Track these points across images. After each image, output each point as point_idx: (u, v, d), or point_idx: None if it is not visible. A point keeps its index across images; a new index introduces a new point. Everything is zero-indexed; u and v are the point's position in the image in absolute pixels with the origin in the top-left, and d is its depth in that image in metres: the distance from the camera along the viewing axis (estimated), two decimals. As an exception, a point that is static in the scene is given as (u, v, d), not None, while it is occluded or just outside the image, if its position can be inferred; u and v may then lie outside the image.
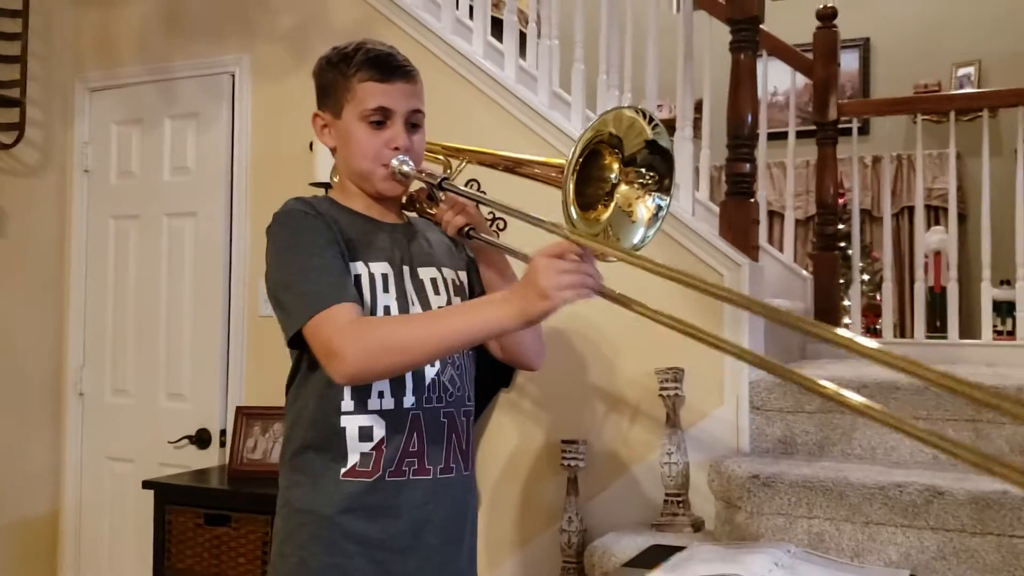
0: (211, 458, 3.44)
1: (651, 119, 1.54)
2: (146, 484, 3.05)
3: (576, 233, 1.45)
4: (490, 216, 2.90)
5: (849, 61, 6.73)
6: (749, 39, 2.78)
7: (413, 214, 1.88)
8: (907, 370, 1.08)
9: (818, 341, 3.55)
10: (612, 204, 1.59)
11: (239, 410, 3.23)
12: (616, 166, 1.58)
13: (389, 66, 1.70)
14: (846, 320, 4.09)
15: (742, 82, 2.76)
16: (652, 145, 1.56)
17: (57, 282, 3.81)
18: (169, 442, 3.48)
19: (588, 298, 1.43)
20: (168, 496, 2.99)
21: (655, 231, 1.59)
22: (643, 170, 1.58)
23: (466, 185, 2.71)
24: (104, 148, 3.79)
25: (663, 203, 1.58)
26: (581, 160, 1.48)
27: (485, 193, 2.91)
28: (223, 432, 3.45)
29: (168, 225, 3.62)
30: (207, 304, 3.52)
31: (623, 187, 1.59)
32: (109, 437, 3.70)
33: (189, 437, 3.47)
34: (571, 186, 1.46)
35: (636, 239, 1.58)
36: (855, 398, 1.13)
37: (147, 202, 3.67)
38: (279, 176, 3.40)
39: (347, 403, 1.63)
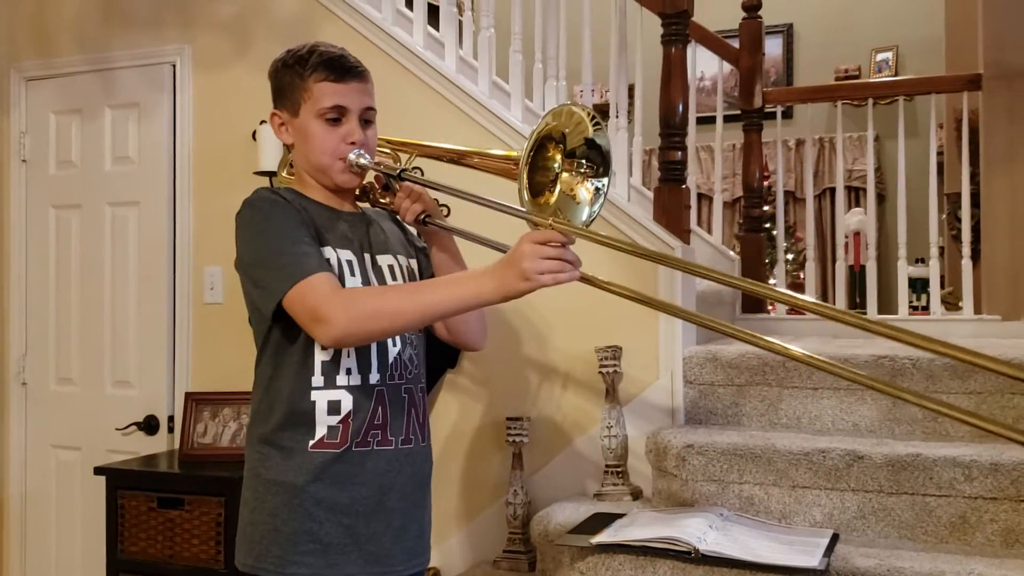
0: (159, 444, 3.49)
1: (594, 119, 1.71)
2: (98, 470, 3.09)
3: (559, 222, 1.59)
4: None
5: (773, 46, 6.95)
6: (680, 32, 2.92)
7: (366, 205, 1.99)
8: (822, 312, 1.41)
9: (747, 316, 3.73)
10: (556, 190, 1.75)
11: (188, 396, 3.28)
12: (559, 157, 1.75)
13: (343, 67, 1.81)
14: (772, 298, 4.28)
15: (673, 74, 2.90)
16: (591, 142, 1.72)
17: (-4, 272, 3.81)
18: (116, 429, 3.51)
19: (566, 282, 1.57)
20: (120, 481, 3.03)
21: (599, 207, 1.78)
22: (583, 161, 1.75)
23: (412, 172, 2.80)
24: (42, 138, 3.78)
25: (601, 184, 1.76)
26: (532, 152, 1.62)
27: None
28: (171, 418, 3.49)
29: (111, 214, 3.64)
30: (152, 292, 3.55)
31: (564, 175, 1.75)
32: (54, 425, 3.71)
33: (137, 424, 3.51)
34: (525, 176, 1.61)
35: (584, 217, 1.76)
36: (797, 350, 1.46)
37: (89, 192, 3.68)
38: (222, 165, 3.44)
39: (317, 379, 1.74)
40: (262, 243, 1.73)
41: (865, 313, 3.67)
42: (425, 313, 1.67)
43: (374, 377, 1.77)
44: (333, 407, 1.74)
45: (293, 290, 1.66)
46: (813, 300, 1.43)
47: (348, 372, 1.75)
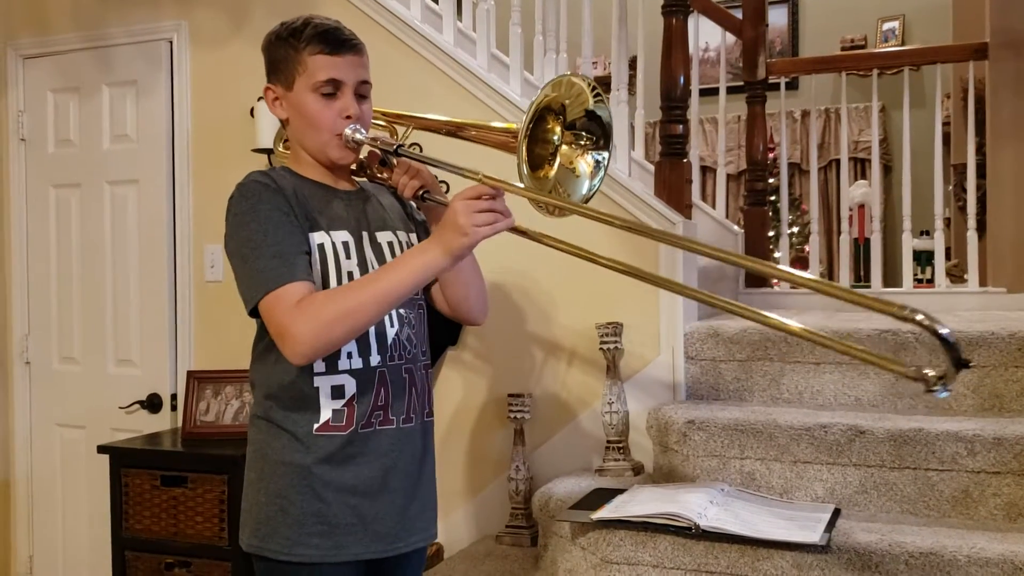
0: (163, 422, 3.49)
1: (595, 89, 1.69)
2: (101, 448, 3.09)
3: (489, 178, 1.61)
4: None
5: (778, 16, 6.87)
6: (681, 3, 2.88)
7: (363, 179, 1.96)
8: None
9: (750, 291, 3.71)
10: (556, 163, 1.73)
11: (190, 374, 3.28)
12: (558, 129, 1.73)
13: (338, 40, 1.78)
14: (776, 271, 4.25)
15: (674, 45, 2.86)
16: (592, 113, 1.70)
17: (-3, 252, 3.81)
18: (120, 407, 3.52)
19: (501, 231, 1.61)
20: (124, 460, 3.04)
21: (600, 180, 1.76)
22: (583, 133, 1.73)
23: (409, 148, 2.78)
24: (40, 116, 3.76)
25: (601, 157, 1.74)
26: (531, 125, 1.61)
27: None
28: (174, 396, 3.50)
29: (111, 193, 3.62)
30: (153, 271, 3.54)
31: (564, 148, 1.74)
32: (59, 404, 3.72)
33: (140, 402, 3.51)
34: (524, 148, 1.60)
35: (584, 191, 1.75)
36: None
37: (88, 170, 3.66)
38: (220, 142, 3.42)
39: (319, 365, 1.73)
40: (244, 236, 1.70)
41: (869, 286, 3.65)
42: (385, 300, 1.64)
43: (375, 359, 1.76)
44: (337, 391, 1.73)
45: (263, 300, 1.66)
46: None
47: (349, 356, 1.74)
